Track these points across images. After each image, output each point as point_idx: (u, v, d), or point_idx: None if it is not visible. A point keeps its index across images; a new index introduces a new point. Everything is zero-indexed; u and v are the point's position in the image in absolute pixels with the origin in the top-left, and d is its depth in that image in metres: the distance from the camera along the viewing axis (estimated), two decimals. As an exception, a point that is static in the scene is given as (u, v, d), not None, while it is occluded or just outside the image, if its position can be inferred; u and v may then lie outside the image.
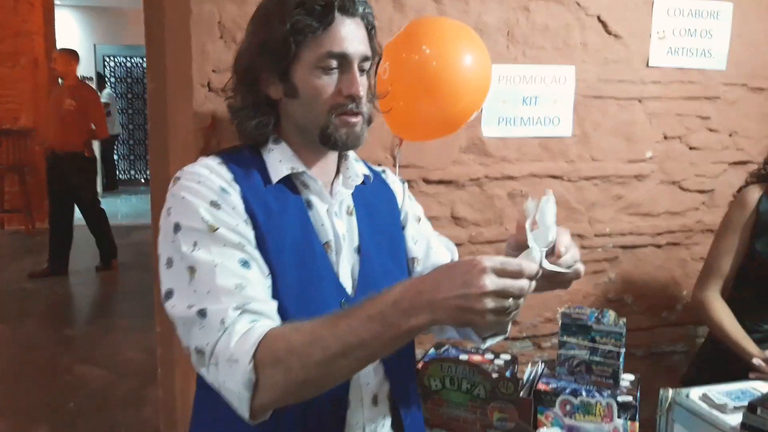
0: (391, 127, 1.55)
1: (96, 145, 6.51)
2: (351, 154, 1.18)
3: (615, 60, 2.17)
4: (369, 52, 1.09)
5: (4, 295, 5.14)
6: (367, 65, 1.10)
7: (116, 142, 10.47)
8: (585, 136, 2.18)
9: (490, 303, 0.82)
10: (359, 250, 1.14)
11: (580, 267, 0.99)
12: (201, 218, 1.00)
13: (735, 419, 1.34)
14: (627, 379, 1.59)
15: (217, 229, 0.99)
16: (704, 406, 1.40)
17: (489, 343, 1.26)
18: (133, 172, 11.34)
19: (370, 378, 1.12)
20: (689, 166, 2.35)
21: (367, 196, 1.19)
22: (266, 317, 0.98)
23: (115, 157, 10.81)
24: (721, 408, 1.38)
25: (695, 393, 1.44)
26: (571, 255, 0.98)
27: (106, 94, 9.35)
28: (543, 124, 2.10)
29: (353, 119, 1.08)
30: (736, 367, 1.64)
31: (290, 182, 1.11)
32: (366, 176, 1.18)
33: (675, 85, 2.26)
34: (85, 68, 8.13)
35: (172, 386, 2.30)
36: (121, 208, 9.00)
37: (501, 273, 0.83)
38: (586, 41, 2.12)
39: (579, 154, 2.19)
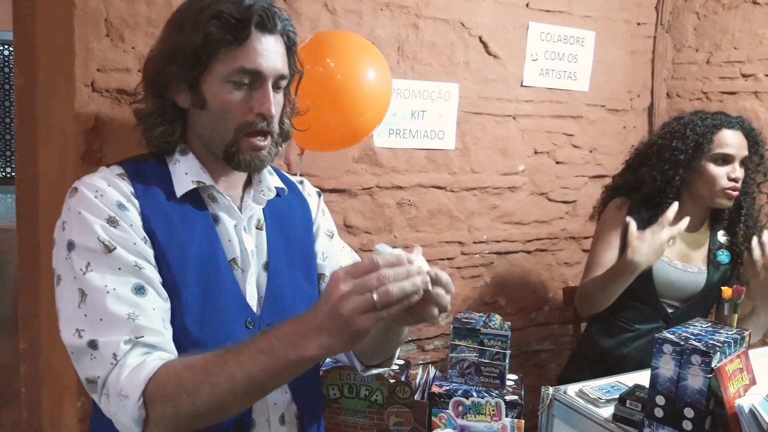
0: (294, 137, 1.56)
1: None
2: None
3: (493, 79, 2.30)
4: (286, 71, 1.08)
5: None
6: (283, 83, 1.09)
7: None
8: (466, 150, 2.31)
9: (351, 302, 0.82)
10: (267, 266, 1.12)
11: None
12: (96, 237, 0.95)
13: (607, 411, 1.46)
14: (511, 378, 1.71)
15: (113, 250, 0.95)
16: (580, 401, 1.52)
17: (371, 372, 1.26)
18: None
19: (277, 398, 1.10)
20: (555, 178, 2.55)
21: (281, 208, 1.17)
22: (159, 350, 0.95)
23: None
24: (595, 402, 1.50)
25: (572, 389, 1.57)
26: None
27: None
28: (429, 137, 2.19)
29: (261, 142, 1.06)
30: (606, 365, 1.80)
31: (197, 196, 1.07)
32: (279, 188, 1.17)
33: (545, 104, 2.45)
34: None
35: (38, 408, 2.13)
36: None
37: (354, 274, 0.84)
38: (468, 60, 2.23)
39: (461, 167, 2.31)
